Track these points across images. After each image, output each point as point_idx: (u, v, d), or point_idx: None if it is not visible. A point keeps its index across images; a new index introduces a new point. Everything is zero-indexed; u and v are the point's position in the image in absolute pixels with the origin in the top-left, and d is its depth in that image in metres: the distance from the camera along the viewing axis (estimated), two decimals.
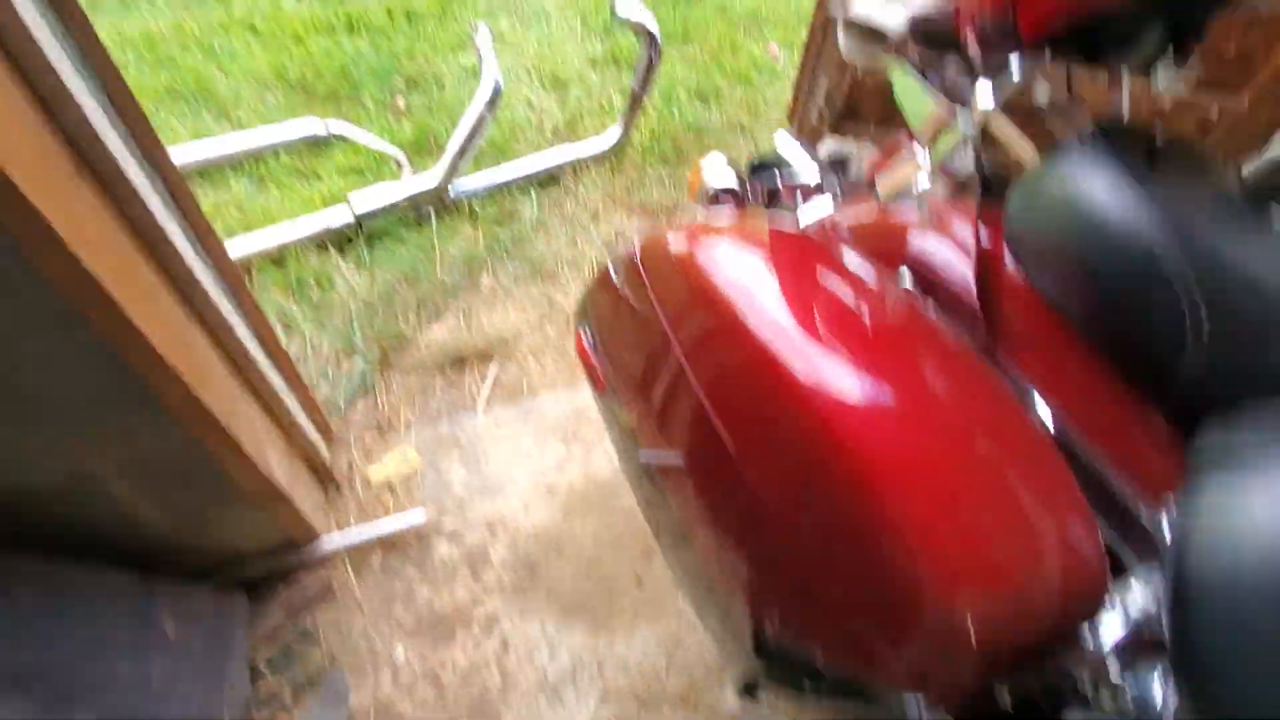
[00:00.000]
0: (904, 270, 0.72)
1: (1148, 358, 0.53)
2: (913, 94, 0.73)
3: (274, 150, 2.04)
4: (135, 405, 0.83)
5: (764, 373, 0.54)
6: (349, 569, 1.24)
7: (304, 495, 1.17)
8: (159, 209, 0.80)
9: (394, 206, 1.82)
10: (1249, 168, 0.86)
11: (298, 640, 1.16)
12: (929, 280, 0.71)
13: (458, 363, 1.57)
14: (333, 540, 1.23)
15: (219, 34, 2.51)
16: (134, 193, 0.75)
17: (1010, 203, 0.64)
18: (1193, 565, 0.39)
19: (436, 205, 1.90)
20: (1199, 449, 0.47)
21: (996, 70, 0.63)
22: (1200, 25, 0.55)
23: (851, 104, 2.01)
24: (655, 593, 1.23)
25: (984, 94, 0.64)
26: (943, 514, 0.47)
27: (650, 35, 1.94)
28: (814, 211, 0.97)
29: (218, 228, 1.83)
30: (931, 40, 0.72)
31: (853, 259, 0.68)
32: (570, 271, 1.81)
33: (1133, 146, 0.56)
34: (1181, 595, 0.39)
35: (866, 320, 0.61)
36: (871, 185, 0.84)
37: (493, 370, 1.57)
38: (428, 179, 1.85)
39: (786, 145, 1.04)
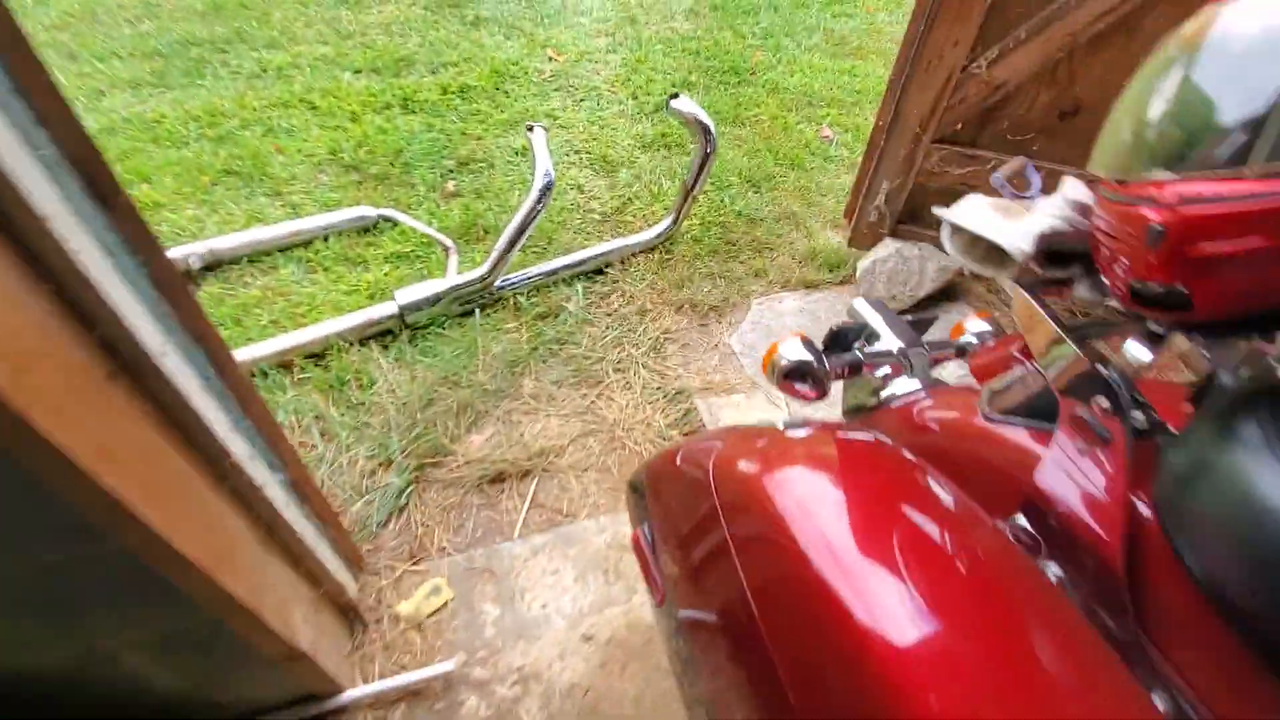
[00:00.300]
0: (1018, 516, 0.62)
1: None
2: (1032, 314, 0.64)
3: (324, 234, 2.04)
4: (155, 594, 0.77)
5: (838, 625, 0.48)
6: None
7: (328, 649, 1.10)
8: (197, 391, 0.75)
9: (438, 300, 1.79)
10: None
11: None
12: (1047, 525, 0.61)
13: (496, 479, 1.50)
14: (356, 693, 1.14)
15: (279, 110, 2.57)
16: (170, 383, 0.70)
17: (1163, 467, 0.54)
18: None
19: (482, 297, 1.86)
20: None
21: (1142, 326, 0.54)
22: None
23: (914, 206, 1.93)
24: None
25: (1135, 349, 0.54)
26: None
27: (706, 131, 1.90)
28: (899, 392, 0.88)
29: (262, 318, 1.85)
30: (1059, 258, 0.63)
31: (942, 482, 0.60)
32: (614, 376, 1.74)
33: None
34: None
35: (961, 566, 0.53)
36: (974, 390, 0.74)
37: (531, 488, 1.49)
38: (474, 273, 1.81)
39: (866, 312, 0.96)
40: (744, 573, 0.59)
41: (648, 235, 2.08)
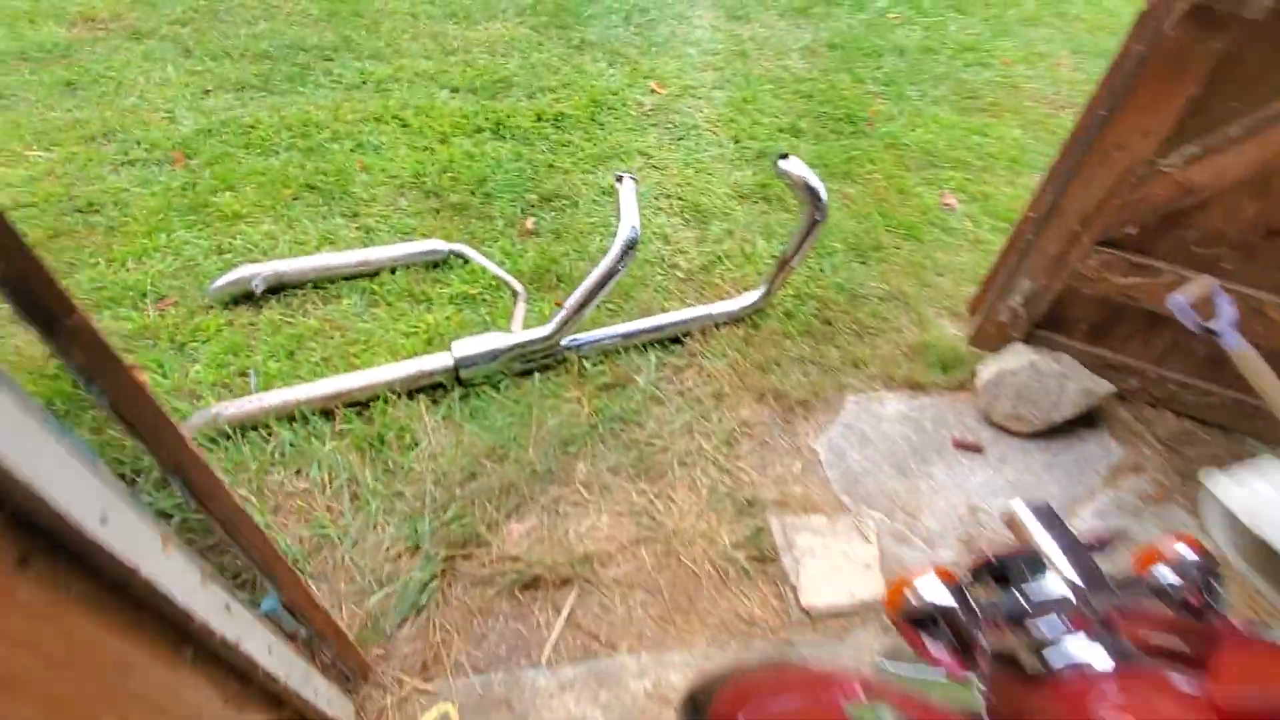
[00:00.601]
0: None
1: None
2: None
3: (392, 266, 1.93)
4: None
5: None
6: None
7: None
8: (153, 554, 0.59)
9: (497, 357, 1.63)
10: None
11: None
12: None
13: (530, 585, 1.31)
14: None
15: (371, 125, 2.51)
16: (111, 555, 0.54)
17: None
18: None
19: (544, 357, 1.69)
20: None
21: None
22: None
23: (1058, 312, 1.62)
24: None
25: None
26: None
27: (816, 198, 1.66)
28: (1075, 659, 0.62)
29: (315, 353, 1.74)
30: None
31: None
32: (679, 471, 1.52)
33: None
34: None
35: None
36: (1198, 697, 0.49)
37: (569, 602, 1.30)
38: (539, 331, 1.65)
39: (1031, 524, 0.70)
40: None
41: (734, 305, 1.86)
